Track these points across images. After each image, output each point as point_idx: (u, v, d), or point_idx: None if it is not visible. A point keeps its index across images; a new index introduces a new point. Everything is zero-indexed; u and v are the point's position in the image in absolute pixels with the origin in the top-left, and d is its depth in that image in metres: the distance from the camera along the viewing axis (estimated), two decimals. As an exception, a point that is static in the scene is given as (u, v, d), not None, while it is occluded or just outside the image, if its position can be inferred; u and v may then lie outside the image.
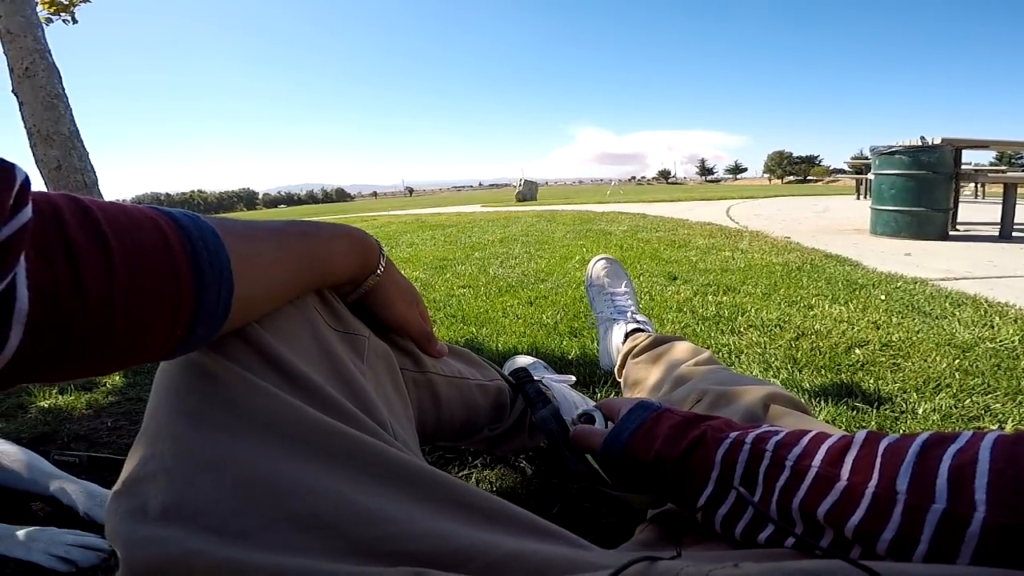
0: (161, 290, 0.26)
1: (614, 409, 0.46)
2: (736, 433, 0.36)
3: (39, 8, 2.77)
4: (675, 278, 1.94)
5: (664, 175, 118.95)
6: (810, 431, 0.34)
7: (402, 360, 0.51)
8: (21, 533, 0.63)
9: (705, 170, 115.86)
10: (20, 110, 2.43)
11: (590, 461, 0.43)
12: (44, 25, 2.53)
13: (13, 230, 0.20)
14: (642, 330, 0.93)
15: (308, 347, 0.37)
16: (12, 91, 2.43)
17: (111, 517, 0.29)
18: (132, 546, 0.26)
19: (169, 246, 0.26)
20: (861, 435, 0.31)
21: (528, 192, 13.74)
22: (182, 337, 0.28)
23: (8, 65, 2.40)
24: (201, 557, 0.25)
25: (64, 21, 3.60)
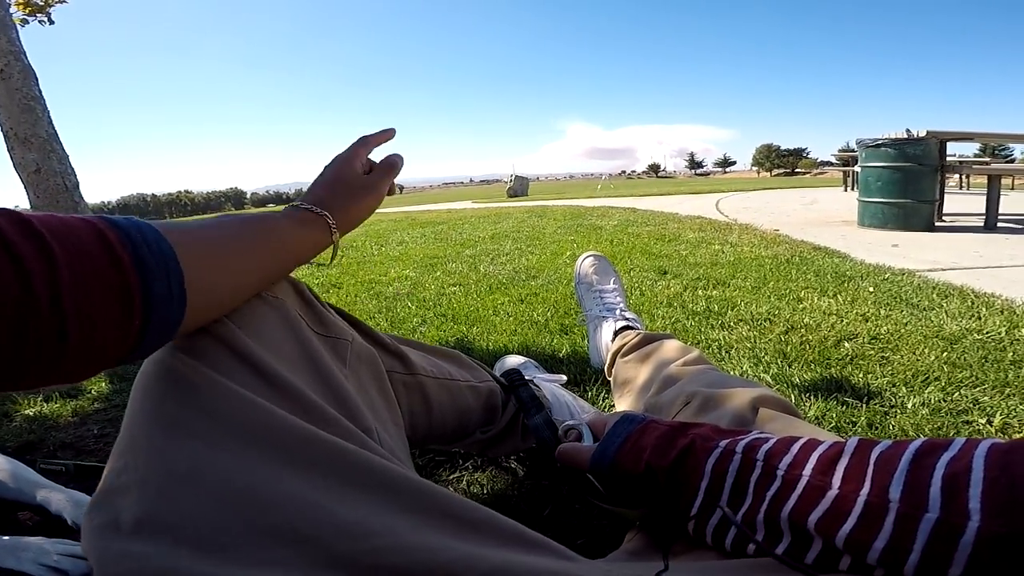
0: (107, 284, 0.26)
1: (600, 425, 0.46)
2: (726, 441, 0.35)
3: (13, 9, 2.71)
4: (665, 272, 1.94)
5: (654, 169, 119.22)
6: (800, 438, 0.33)
7: (390, 363, 0.50)
8: (10, 543, 0.62)
9: (694, 163, 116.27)
10: (-4, 113, 2.38)
11: (588, 477, 0.43)
12: (19, 27, 2.48)
13: None
14: (631, 327, 0.93)
15: (290, 351, 0.36)
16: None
17: (85, 531, 0.28)
18: (105, 562, 0.26)
19: (107, 242, 0.26)
20: (852, 443, 0.30)
21: (519, 188, 13.71)
22: (140, 328, 0.27)
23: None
24: (176, 573, 0.25)
25: (40, 22, 3.54)
